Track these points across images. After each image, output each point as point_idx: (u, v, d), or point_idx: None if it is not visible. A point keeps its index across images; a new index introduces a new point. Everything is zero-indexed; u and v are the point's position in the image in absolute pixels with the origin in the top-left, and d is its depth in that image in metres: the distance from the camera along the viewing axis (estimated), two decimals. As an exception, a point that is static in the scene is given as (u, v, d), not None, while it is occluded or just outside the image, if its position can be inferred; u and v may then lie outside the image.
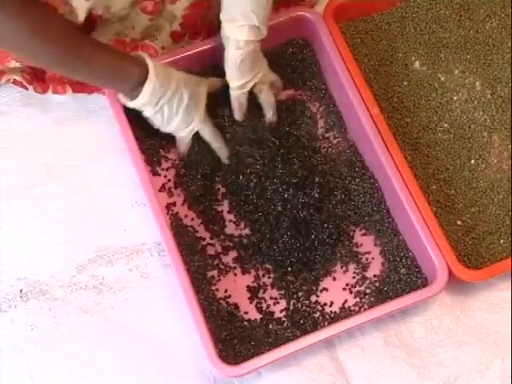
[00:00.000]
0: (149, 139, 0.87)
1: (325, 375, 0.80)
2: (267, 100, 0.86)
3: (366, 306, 0.82)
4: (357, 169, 0.88)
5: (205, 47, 0.87)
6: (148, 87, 0.78)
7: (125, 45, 0.86)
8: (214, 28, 0.86)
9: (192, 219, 0.85)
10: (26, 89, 0.88)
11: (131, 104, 0.80)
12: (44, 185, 0.87)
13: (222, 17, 0.81)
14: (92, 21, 0.81)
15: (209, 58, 0.88)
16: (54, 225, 0.86)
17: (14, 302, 0.82)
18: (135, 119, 0.86)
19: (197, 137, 0.85)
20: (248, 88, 0.83)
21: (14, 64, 0.85)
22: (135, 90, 0.79)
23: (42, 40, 0.72)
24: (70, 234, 0.85)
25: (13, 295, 0.82)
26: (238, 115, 0.85)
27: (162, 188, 0.87)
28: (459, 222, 0.85)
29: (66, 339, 0.81)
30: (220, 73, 0.88)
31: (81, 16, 0.79)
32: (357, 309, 0.82)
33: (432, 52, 0.93)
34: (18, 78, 0.87)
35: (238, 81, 0.82)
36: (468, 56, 0.92)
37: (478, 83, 0.91)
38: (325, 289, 0.83)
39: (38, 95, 0.90)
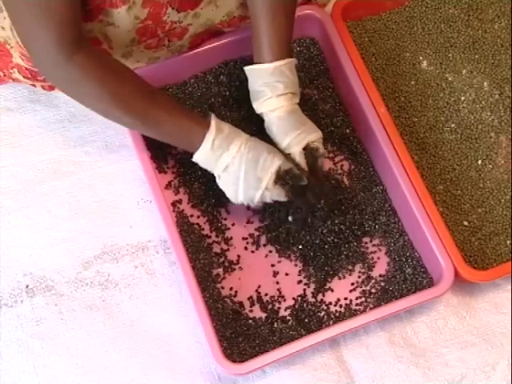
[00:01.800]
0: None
1: (329, 374, 0.80)
2: (320, 165, 0.80)
3: (371, 306, 0.82)
4: (363, 168, 0.88)
5: (216, 44, 0.87)
6: (206, 145, 0.75)
7: None
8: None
9: (198, 217, 0.85)
10: (34, 86, 0.88)
11: (193, 159, 0.77)
12: (50, 181, 0.88)
13: (251, 97, 0.80)
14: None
15: (220, 55, 0.88)
16: (60, 221, 0.86)
17: (20, 297, 0.82)
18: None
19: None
20: (299, 145, 0.78)
21: (16, 74, 0.85)
22: (198, 148, 0.76)
23: (113, 97, 0.72)
24: (76, 230, 0.85)
25: (19, 291, 0.83)
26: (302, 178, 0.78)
27: (168, 185, 0.87)
28: (466, 223, 0.85)
29: (72, 335, 0.81)
30: (229, 71, 0.89)
31: None
32: (362, 308, 0.82)
33: (440, 52, 0.92)
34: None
35: (282, 140, 0.78)
36: (476, 56, 0.92)
37: (485, 83, 0.91)
38: (330, 288, 0.83)
39: (44, 92, 0.90)
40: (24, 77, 0.84)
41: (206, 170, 0.85)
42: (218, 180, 0.78)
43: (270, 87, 0.79)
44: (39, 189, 0.87)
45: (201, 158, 0.77)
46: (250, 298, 0.82)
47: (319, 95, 0.90)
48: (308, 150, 0.79)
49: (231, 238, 0.84)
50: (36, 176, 0.88)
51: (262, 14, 0.78)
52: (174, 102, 0.79)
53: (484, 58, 0.92)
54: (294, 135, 0.78)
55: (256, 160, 0.76)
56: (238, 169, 0.76)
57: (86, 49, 0.72)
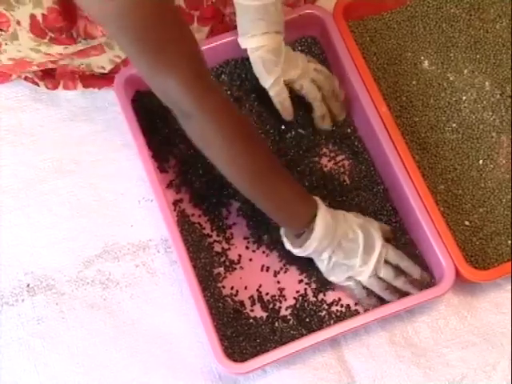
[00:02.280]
0: (157, 135, 0.87)
1: (330, 374, 0.80)
2: (309, 95, 0.84)
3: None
4: (364, 167, 0.88)
5: (217, 43, 0.87)
6: (321, 220, 0.73)
7: (116, 65, 0.85)
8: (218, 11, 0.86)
9: (199, 216, 0.85)
10: (37, 85, 0.89)
11: (305, 246, 0.75)
12: (52, 180, 0.88)
13: (238, 31, 0.81)
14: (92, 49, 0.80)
15: (221, 54, 0.88)
16: (61, 220, 0.86)
17: (21, 296, 0.83)
18: (143, 115, 0.87)
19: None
20: (281, 82, 0.82)
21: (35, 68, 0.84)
22: (302, 230, 0.75)
23: (240, 149, 0.70)
24: (77, 229, 0.85)
25: (20, 289, 0.83)
26: (284, 115, 0.84)
27: (170, 184, 0.87)
28: (467, 223, 0.85)
29: (73, 334, 0.81)
30: (230, 70, 0.89)
31: (108, 67, 0.79)
32: (363, 308, 0.81)
33: (441, 51, 0.92)
34: (29, 75, 0.88)
35: (268, 80, 0.82)
36: (477, 56, 0.92)
37: (487, 83, 0.91)
38: (331, 287, 0.82)
39: (46, 90, 0.90)
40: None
41: (206, 170, 0.85)
42: (326, 261, 0.76)
43: (254, 24, 0.79)
44: (40, 188, 0.87)
45: (318, 235, 0.74)
46: (251, 297, 0.82)
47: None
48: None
49: (232, 238, 0.84)
50: (37, 175, 0.88)
51: None
52: (290, 179, 0.76)
53: (485, 57, 0.92)
54: (276, 75, 0.81)
55: (362, 226, 0.77)
56: (355, 237, 0.76)
57: (215, 96, 0.68)
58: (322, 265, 0.78)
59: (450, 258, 0.80)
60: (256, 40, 0.80)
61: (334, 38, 0.88)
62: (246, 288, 0.82)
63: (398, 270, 0.79)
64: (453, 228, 0.84)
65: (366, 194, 0.86)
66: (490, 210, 0.86)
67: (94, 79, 0.88)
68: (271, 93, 0.83)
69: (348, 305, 0.82)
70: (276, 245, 0.83)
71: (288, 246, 0.78)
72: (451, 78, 0.91)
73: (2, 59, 0.82)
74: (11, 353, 0.80)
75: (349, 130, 0.89)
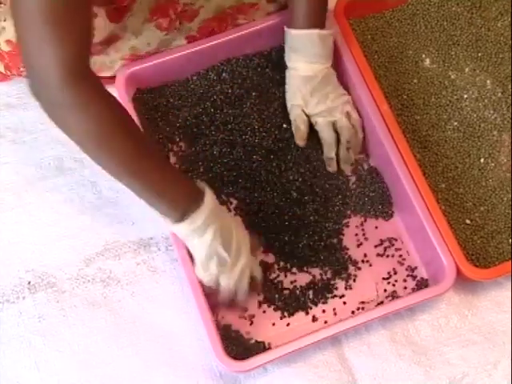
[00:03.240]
0: (157, 133, 0.87)
1: (331, 372, 0.80)
2: (323, 137, 0.83)
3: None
4: (365, 166, 0.88)
5: (218, 41, 0.87)
6: (203, 212, 0.72)
7: (138, 58, 0.85)
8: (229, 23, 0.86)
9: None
10: None
11: (181, 227, 0.73)
12: (53, 177, 0.88)
13: (286, 47, 0.83)
14: (111, 39, 0.80)
15: (222, 52, 0.88)
16: (62, 217, 0.86)
17: (22, 293, 0.83)
18: (144, 113, 0.87)
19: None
20: (299, 109, 0.83)
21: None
22: (182, 215, 0.73)
23: (106, 152, 0.68)
24: (78, 227, 0.85)
25: (21, 287, 0.83)
26: (296, 138, 0.84)
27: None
28: (468, 221, 0.85)
29: (73, 331, 0.81)
30: (232, 69, 0.88)
31: (101, 35, 0.78)
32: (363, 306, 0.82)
33: (443, 50, 0.92)
34: None
35: (288, 102, 0.83)
36: (479, 54, 0.92)
37: (488, 81, 0.91)
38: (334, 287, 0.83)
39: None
40: None
41: (206, 167, 0.85)
42: (198, 244, 0.74)
43: (295, 53, 0.82)
44: (41, 185, 0.87)
45: (199, 221, 0.73)
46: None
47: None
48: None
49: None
50: (38, 172, 0.88)
51: None
52: (167, 164, 0.76)
53: (487, 56, 0.92)
54: (298, 101, 0.82)
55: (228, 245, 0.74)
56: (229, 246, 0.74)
57: (93, 78, 0.68)
58: (201, 248, 0.74)
59: (450, 257, 0.80)
60: (293, 61, 0.83)
61: (335, 37, 0.87)
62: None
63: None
64: (454, 226, 0.84)
65: (367, 192, 0.86)
66: (491, 208, 0.86)
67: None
68: (290, 115, 0.84)
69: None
70: (274, 244, 0.83)
71: (168, 224, 0.74)
72: (452, 77, 0.91)
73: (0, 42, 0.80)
74: (12, 350, 0.80)
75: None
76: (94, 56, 0.84)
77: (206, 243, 0.74)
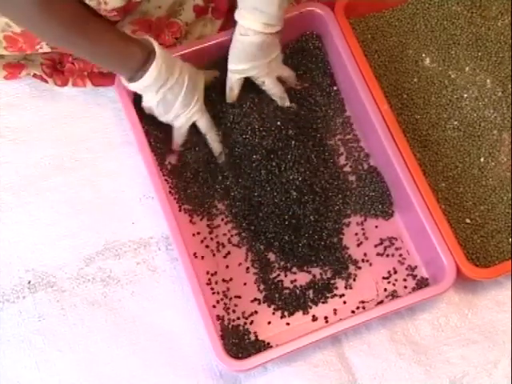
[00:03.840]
0: (158, 133, 0.87)
1: (331, 371, 0.80)
2: (271, 91, 0.85)
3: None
4: (365, 165, 0.88)
5: (219, 40, 0.87)
6: (154, 69, 0.78)
7: (150, 24, 0.86)
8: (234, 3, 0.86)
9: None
10: (46, 82, 0.89)
11: (134, 85, 0.80)
12: (53, 177, 0.88)
13: (239, 2, 0.81)
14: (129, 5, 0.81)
15: (224, 50, 0.88)
16: (62, 217, 0.86)
17: (22, 293, 0.83)
18: (144, 112, 0.86)
19: (193, 132, 0.84)
20: (242, 75, 0.83)
21: (45, 48, 0.84)
22: (138, 72, 0.78)
23: (48, 15, 0.71)
24: (78, 226, 0.85)
25: (21, 286, 0.83)
26: (227, 97, 0.86)
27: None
28: (468, 220, 0.85)
29: (74, 331, 0.81)
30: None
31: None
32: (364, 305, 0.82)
33: (443, 49, 0.92)
34: (37, 73, 0.88)
35: (233, 64, 0.83)
36: (479, 53, 0.92)
37: (488, 81, 0.91)
38: (335, 286, 0.83)
39: (47, 87, 0.90)
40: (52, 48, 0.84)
41: (207, 168, 0.85)
42: (152, 101, 0.81)
43: (251, 13, 0.80)
44: (41, 185, 0.87)
45: (151, 78, 0.78)
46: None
47: (321, 92, 0.90)
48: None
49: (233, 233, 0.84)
50: (38, 172, 0.88)
51: None
52: (109, 24, 0.80)
53: (487, 55, 0.92)
54: (244, 67, 0.82)
55: (193, 79, 0.81)
56: (179, 91, 0.80)
57: None
58: (153, 100, 0.81)
59: (450, 256, 0.80)
60: (248, 20, 0.80)
61: (335, 36, 0.88)
62: (245, 284, 0.82)
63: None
64: (454, 226, 0.84)
65: (367, 192, 0.86)
66: (491, 207, 0.86)
67: (103, 77, 0.88)
68: (229, 74, 0.84)
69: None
70: (274, 244, 0.83)
71: (124, 82, 0.81)
72: (452, 76, 0.91)
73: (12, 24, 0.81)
74: (12, 349, 0.80)
75: (349, 127, 0.89)
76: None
77: (154, 101, 0.80)
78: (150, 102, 0.82)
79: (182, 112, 0.82)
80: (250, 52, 0.81)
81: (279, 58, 0.85)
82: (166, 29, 0.86)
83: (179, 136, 0.85)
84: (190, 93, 0.81)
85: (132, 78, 0.79)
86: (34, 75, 0.89)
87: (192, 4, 0.87)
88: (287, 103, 0.87)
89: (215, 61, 0.87)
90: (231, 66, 0.83)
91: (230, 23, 0.87)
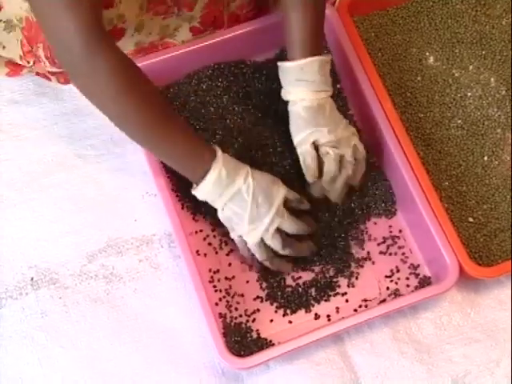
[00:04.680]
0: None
1: (333, 369, 0.80)
2: (328, 169, 0.79)
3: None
4: (368, 163, 0.88)
5: (226, 36, 0.87)
6: (212, 175, 0.73)
7: (145, 49, 0.85)
8: (236, 18, 0.86)
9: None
10: (49, 80, 0.89)
11: (194, 192, 0.76)
12: (56, 174, 0.88)
13: (284, 82, 0.80)
14: (113, 34, 0.80)
15: (233, 49, 0.87)
16: (65, 214, 0.86)
17: (24, 289, 0.83)
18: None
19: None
20: (307, 143, 0.78)
21: (40, 52, 0.84)
22: (202, 177, 0.74)
23: (130, 101, 0.70)
24: (80, 223, 0.85)
25: (24, 283, 0.83)
26: (306, 175, 0.80)
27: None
28: (471, 219, 0.85)
29: (76, 328, 0.81)
30: (243, 66, 0.88)
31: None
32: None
33: (447, 47, 0.92)
34: (40, 70, 0.88)
35: (297, 137, 0.79)
36: (483, 52, 0.92)
37: (492, 79, 0.91)
38: (338, 284, 0.82)
39: (50, 84, 0.90)
40: (45, 56, 0.82)
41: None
42: (220, 212, 0.76)
43: (295, 85, 0.78)
44: (44, 182, 0.87)
45: (206, 189, 0.74)
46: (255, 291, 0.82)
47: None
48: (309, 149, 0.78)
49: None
50: (41, 169, 0.88)
51: (292, 9, 0.77)
52: (187, 125, 0.77)
53: (491, 53, 0.92)
54: (306, 133, 0.78)
55: (264, 189, 0.75)
56: (246, 198, 0.74)
57: (112, 42, 0.69)
58: (218, 213, 0.77)
59: (453, 255, 0.79)
60: (296, 93, 0.78)
61: (338, 34, 0.88)
62: (247, 282, 0.82)
63: (289, 240, 0.77)
64: (457, 224, 0.84)
65: (370, 189, 0.86)
66: (494, 206, 0.85)
67: None
68: (298, 150, 0.80)
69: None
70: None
71: (192, 191, 0.77)
72: (456, 74, 0.91)
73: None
74: (15, 346, 0.81)
75: (353, 126, 0.89)
76: None
77: (219, 212, 0.76)
78: (220, 213, 0.76)
79: (251, 224, 0.75)
80: (307, 117, 0.78)
81: (352, 137, 0.79)
82: (161, 47, 0.85)
83: (247, 253, 0.79)
84: (259, 201, 0.74)
85: (196, 183, 0.75)
86: (37, 73, 0.89)
87: (188, 26, 0.85)
88: (314, 192, 0.81)
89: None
90: (295, 140, 0.79)
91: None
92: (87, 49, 0.67)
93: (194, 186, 0.77)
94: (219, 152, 0.76)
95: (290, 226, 0.77)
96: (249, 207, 0.75)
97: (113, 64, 0.69)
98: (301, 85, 0.78)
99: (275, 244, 0.77)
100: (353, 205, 0.85)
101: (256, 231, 0.76)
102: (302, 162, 0.80)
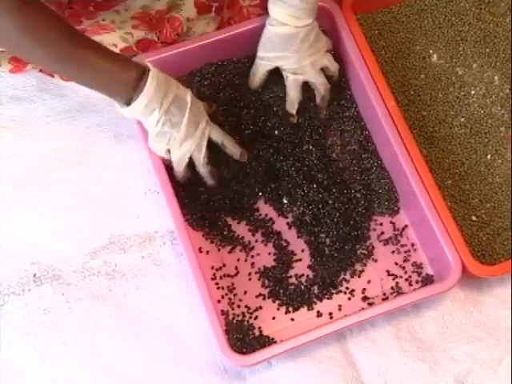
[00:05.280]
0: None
1: (335, 367, 0.80)
2: (289, 94, 0.83)
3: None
4: (372, 161, 0.87)
5: (222, 36, 0.87)
6: (151, 84, 0.74)
7: (150, 17, 0.85)
8: (240, 14, 0.86)
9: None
10: (52, 76, 0.89)
11: (129, 110, 0.75)
12: (58, 171, 0.88)
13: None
14: None
15: (237, 46, 0.87)
16: (67, 211, 0.86)
17: (27, 286, 0.83)
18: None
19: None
20: (267, 63, 0.82)
21: None
22: (131, 96, 0.75)
23: (35, 41, 0.70)
24: (83, 220, 0.85)
25: (26, 279, 0.83)
26: (250, 83, 0.84)
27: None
28: (474, 218, 0.85)
29: (79, 324, 0.81)
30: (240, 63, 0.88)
31: (120, 45, 0.79)
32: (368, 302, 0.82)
33: (450, 45, 0.92)
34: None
35: (260, 52, 0.83)
36: (487, 50, 0.91)
37: (496, 77, 0.90)
38: (340, 283, 0.83)
39: (53, 81, 0.90)
40: None
41: (208, 161, 0.84)
42: (153, 128, 0.77)
43: (278, 5, 0.79)
44: (47, 178, 0.87)
45: (142, 102, 0.74)
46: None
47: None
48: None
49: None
50: (44, 165, 0.88)
51: None
52: (99, 45, 0.76)
53: (495, 52, 0.91)
54: (266, 55, 0.81)
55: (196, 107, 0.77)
56: (188, 102, 0.76)
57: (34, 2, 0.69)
58: (149, 129, 0.77)
59: (456, 253, 0.79)
60: (276, 13, 0.79)
61: (342, 31, 0.87)
62: (250, 279, 0.83)
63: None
64: (460, 223, 0.83)
65: (373, 187, 0.86)
66: (497, 205, 0.85)
67: None
68: (256, 63, 0.83)
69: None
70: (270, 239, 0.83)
71: (118, 108, 0.77)
72: (460, 73, 0.91)
73: None
74: (18, 342, 0.81)
75: (356, 123, 0.89)
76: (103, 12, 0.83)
77: (152, 124, 0.76)
78: (152, 128, 0.76)
79: (191, 128, 0.77)
80: (277, 42, 0.80)
81: (320, 60, 0.83)
82: (168, 24, 0.86)
83: (181, 165, 0.80)
84: (193, 108, 0.77)
85: (128, 103, 0.75)
86: (41, 70, 0.89)
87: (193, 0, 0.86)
88: (293, 118, 0.85)
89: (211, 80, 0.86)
90: (259, 52, 0.83)
91: (234, 20, 0.87)
92: (13, 4, 0.67)
93: (122, 105, 0.76)
94: (150, 66, 0.75)
95: (219, 132, 0.80)
96: (186, 116, 0.76)
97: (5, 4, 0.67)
98: (278, 5, 0.79)
99: (218, 131, 0.79)
100: (356, 203, 0.85)
101: (192, 138, 0.77)
102: (252, 72, 0.84)
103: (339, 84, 0.88)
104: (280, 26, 0.80)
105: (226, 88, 0.86)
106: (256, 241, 0.84)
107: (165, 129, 0.77)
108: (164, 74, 0.77)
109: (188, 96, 0.77)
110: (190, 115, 0.77)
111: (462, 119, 0.89)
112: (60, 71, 0.77)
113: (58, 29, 0.72)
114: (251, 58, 0.86)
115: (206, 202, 0.84)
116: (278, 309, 0.82)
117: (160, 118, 0.76)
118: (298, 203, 0.84)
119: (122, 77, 0.74)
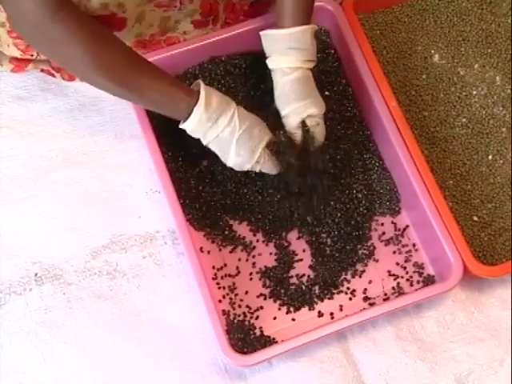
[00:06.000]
0: (165, 127, 0.87)
1: (336, 367, 0.80)
2: (318, 139, 0.80)
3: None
4: (373, 161, 0.87)
5: (227, 34, 0.87)
6: (196, 113, 0.75)
7: (145, 43, 0.85)
8: (232, 8, 0.85)
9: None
10: (54, 76, 0.89)
11: (185, 125, 0.77)
12: (60, 170, 0.88)
13: (267, 51, 0.80)
14: (112, 24, 0.79)
15: (234, 45, 0.87)
16: (68, 210, 0.86)
17: (28, 285, 0.83)
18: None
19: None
20: (302, 114, 0.78)
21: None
22: (189, 113, 0.76)
23: (96, 60, 0.70)
24: (84, 219, 0.85)
25: (28, 279, 0.83)
26: (311, 144, 0.79)
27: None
28: (475, 218, 0.85)
29: (80, 324, 0.81)
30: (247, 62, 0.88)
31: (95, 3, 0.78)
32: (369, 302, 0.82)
33: (452, 45, 0.92)
34: (45, 67, 0.88)
35: (286, 109, 0.78)
36: (489, 50, 0.91)
37: (498, 78, 0.90)
38: (340, 283, 0.83)
39: (55, 81, 0.90)
40: None
41: (210, 160, 0.85)
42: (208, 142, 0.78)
43: (286, 54, 0.78)
44: (48, 178, 0.87)
45: (190, 127, 0.76)
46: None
47: (330, 88, 0.90)
48: (303, 123, 0.78)
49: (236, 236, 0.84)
50: (45, 165, 0.88)
51: None
52: (159, 70, 0.77)
53: (497, 52, 0.91)
54: (296, 106, 0.78)
55: (248, 132, 0.76)
56: (230, 140, 0.76)
57: (69, 8, 0.69)
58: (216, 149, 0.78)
59: (457, 254, 0.79)
60: (286, 63, 0.78)
61: (344, 31, 0.87)
62: (251, 279, 0.83)
63: None
64: (461, 223, 0.83)
65: (375, 187, 0.86)
66: (498, 205, 0.85)
67: None
68: (289, 121, 0.79)
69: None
70: (271, 238, 0.83)
71: (182, 126, 0.78)
72: (461, 73, 0.91)
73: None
74: (19, 341, 0.81)
75: (358, 123, 0.89)
76: None
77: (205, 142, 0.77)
78: (209, 145, 0.77)
79: (240, 158, 0.76)
80: (299, 89, 0.78)
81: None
82: (164, 43, 0.85)
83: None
84: (245, 135, 0.76)
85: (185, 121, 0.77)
86: (42, 70, 0.89)
87: (190, 20, 0.85)
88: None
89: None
90: (284, 111, 0.78)
91: (228, 18, 0.87)
92: (44, 14, 0.67)
93: (181, 122, 0.77)
94: (202, 93, 0.75)
95: (270, 168, 0.79)
96: (233, 149, 0.76)
97: (70, 24, 0.68)
98: (291, 53, 0.78)
99: (270, 168, 0.79)
100: (357, 203, 0.85)
101: (243, 167, 0.78)
102: (300, 131, 0.79)
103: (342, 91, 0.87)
104: (296, 71, 0.78)
105: (222, 88, 0.86)
106: (257, 241, 0.84)
107: (215, 147, 0.78)
108: (217, 97, 0.77)
109: (242, 123, 0.76)
110: (239, 139, 0.76)
111: (464, 119, 0.89)
112: (116, 95, 0.77)
113: (118, 53, 0.72)
114: (246, 56, 0.86)
115: (207, 201, 0.84)
116: (279, 309, 0.82)
117: (209, 142, 0.77)
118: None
119: (178, 103, 0.76)
